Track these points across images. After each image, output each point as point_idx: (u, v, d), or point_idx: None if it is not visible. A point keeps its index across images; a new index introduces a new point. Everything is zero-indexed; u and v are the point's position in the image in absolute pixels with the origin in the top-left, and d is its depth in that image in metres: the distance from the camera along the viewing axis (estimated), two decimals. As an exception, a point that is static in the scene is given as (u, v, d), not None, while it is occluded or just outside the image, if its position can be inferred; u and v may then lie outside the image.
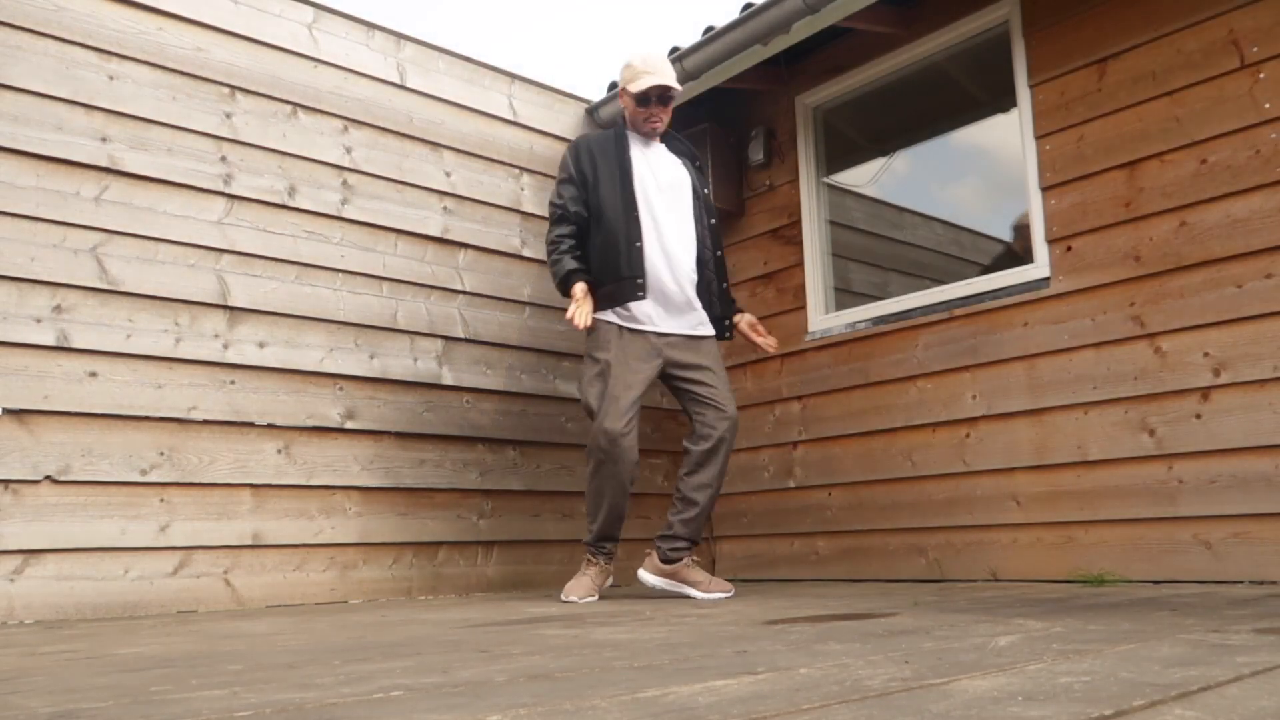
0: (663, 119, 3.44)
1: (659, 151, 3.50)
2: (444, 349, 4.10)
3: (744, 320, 3.61)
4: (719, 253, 3.50)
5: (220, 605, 3.36)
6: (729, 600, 3.13)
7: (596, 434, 3.22)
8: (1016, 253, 3.97)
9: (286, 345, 3.65)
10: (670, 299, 3.32)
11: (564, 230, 3.41)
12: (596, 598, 3.28)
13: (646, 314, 3.30)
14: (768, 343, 3.58)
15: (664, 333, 3.32)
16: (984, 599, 2.76)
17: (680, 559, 3.27)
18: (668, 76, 3.37)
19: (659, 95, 3.39)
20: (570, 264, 3.34)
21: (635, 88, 3.37)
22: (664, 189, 3.40)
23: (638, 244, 3.30)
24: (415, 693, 1.26)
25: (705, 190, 3.55)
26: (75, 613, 3.07)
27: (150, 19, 3.50)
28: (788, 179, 4.62)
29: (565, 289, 3.35)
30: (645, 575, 3.32)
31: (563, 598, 3.26)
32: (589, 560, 3.35)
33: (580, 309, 3.24)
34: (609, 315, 3.31)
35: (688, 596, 3.23)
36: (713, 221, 3.50)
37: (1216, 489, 3.14)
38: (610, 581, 3.43)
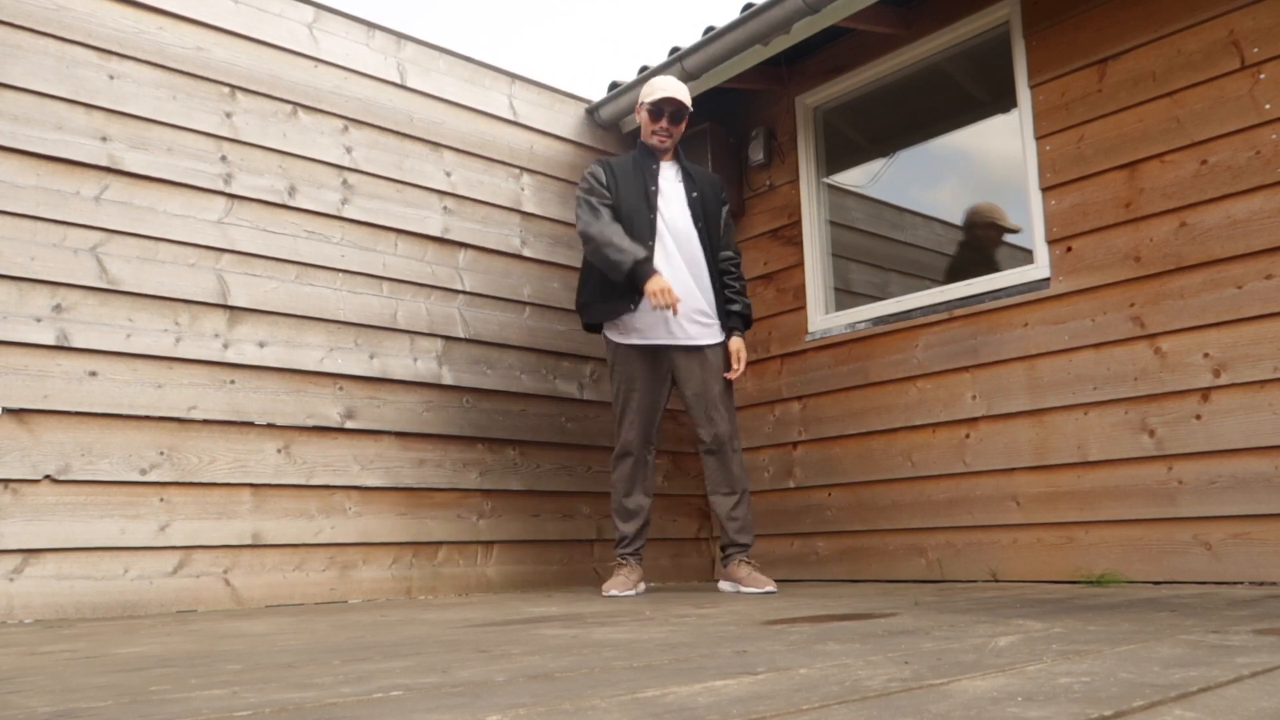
0: (672, 134, 3.61)
1: (673, 172, 3.67)
2: (444, 349, 4.10)
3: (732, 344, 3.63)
4: (725, 265, 3.68)
5: (220, 605, 3.36)
6: (729, 600, 3.13)
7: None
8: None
9: (286, 345, 3.65)
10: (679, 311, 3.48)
11: (609, 216, 3.49)
12: (635, 592, 3.51)
13: (648, 325, 3.51)
14: (731, 373, 3.59)
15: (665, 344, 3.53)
16: (984, 599, 2.76)
17: (727, 561, 3.55)
18: (683, 96, 3.57)
19: (671, 112, 3.58)
20: (642, 251, 3.39)
21: (649, 99, 3.59)
22: (672, 204, 3.58)
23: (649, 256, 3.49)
24: (415, 693, 1.26)
25: (724, 213, 3.72)
26: (75, 612, 3.07)
27: (150, 18, 3.50)
28: (788, 179, 4.62)
29: (638, 277, 3.36)
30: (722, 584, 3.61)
31: (604, 592, 3.50)
32: (619, 562, 3.61)
33: (669, 296, 3.32)
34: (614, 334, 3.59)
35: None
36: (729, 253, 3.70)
37: (1216, 489, 3.14)
38: (639, 588, 3.58)
